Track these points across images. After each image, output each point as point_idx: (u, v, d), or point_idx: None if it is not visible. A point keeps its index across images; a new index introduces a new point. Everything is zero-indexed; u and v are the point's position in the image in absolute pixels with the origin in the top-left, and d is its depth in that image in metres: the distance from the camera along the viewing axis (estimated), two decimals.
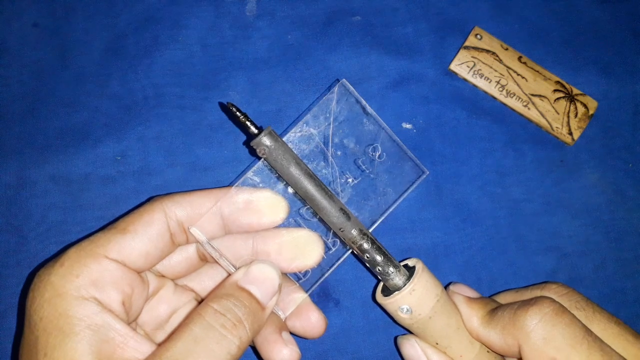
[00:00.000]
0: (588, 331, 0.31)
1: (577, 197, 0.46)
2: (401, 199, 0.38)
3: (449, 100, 0.47)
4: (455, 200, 0.45)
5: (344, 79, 0.36)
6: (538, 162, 0.47)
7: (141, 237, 0.31)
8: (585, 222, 0.46)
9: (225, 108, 0.45)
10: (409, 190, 0.38)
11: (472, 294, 0.39)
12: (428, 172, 0.39)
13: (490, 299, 0.38)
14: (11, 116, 0.44)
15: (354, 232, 0.34)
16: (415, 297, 0.34)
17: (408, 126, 0.46)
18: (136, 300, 0.32)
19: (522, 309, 0.33)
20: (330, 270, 0.37)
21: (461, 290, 0.38)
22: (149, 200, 0.34)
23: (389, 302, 0.35)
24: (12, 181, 0.43)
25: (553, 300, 0.33)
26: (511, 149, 0.47)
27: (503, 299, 0.39)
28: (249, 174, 0.35)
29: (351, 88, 0.36)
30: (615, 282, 0.45)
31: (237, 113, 0.33)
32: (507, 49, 0.47)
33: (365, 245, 0.35)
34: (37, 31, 0.46)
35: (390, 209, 0.38)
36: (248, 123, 0.33)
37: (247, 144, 0.44)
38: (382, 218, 0.38)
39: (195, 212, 0.33)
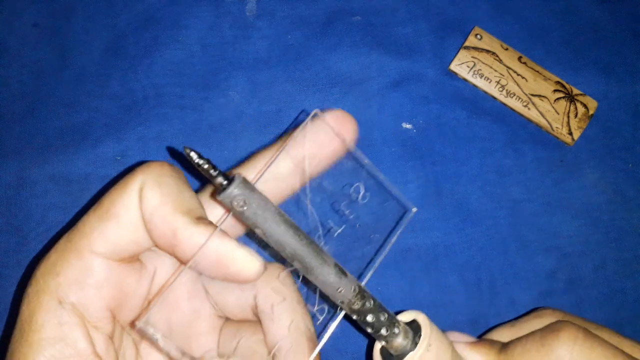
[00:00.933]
0: (617, 348, 0.30)
1: (577, 197, 0.46)
2: (390, 244, 0.32)
3: (449, 100, 0.47)
4: (455, 200, 0.45)
5: (316, 109, 0.27)
6: (538, 162, 0.47)
7: (124, 223, 0.26)
8: (585, 222, 0.46)
9: (178, 155, 0.39)
10: (398, 233, 0.32)
11: (468, 338, 0.35)
12: (416, 209, 0.32)
13: (489, 339, 0.35)
14: (11, 116, 0.44)
15: (353, 290, 0.27)
16: (433, 352, 0.29)
17: (408, 126, 0.46)
18: (131, 296, 0.28)
19: (550, 337, 0.30)
20: (323, 341, 0.29)
21: (457, 338, 0.35)
22: (137, 167, 0.28)
23: None
24: (12, 181, 0.43)
25: (575, 324, 0.31)
26: (511, 149, 0.47)
27: (499, 335, 0.37)
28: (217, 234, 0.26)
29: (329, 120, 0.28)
30: (615, 282, 0.45)
31: (198, 160, 0.24)
32: (507, 49, 0.47)
33: (367, 304, 0.28)
34: (37, 31, 0.46)
35: (380, 258, 0.31)
36: (213, 172, 0.24)
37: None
38: (372, 271, 0.31)
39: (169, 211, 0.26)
